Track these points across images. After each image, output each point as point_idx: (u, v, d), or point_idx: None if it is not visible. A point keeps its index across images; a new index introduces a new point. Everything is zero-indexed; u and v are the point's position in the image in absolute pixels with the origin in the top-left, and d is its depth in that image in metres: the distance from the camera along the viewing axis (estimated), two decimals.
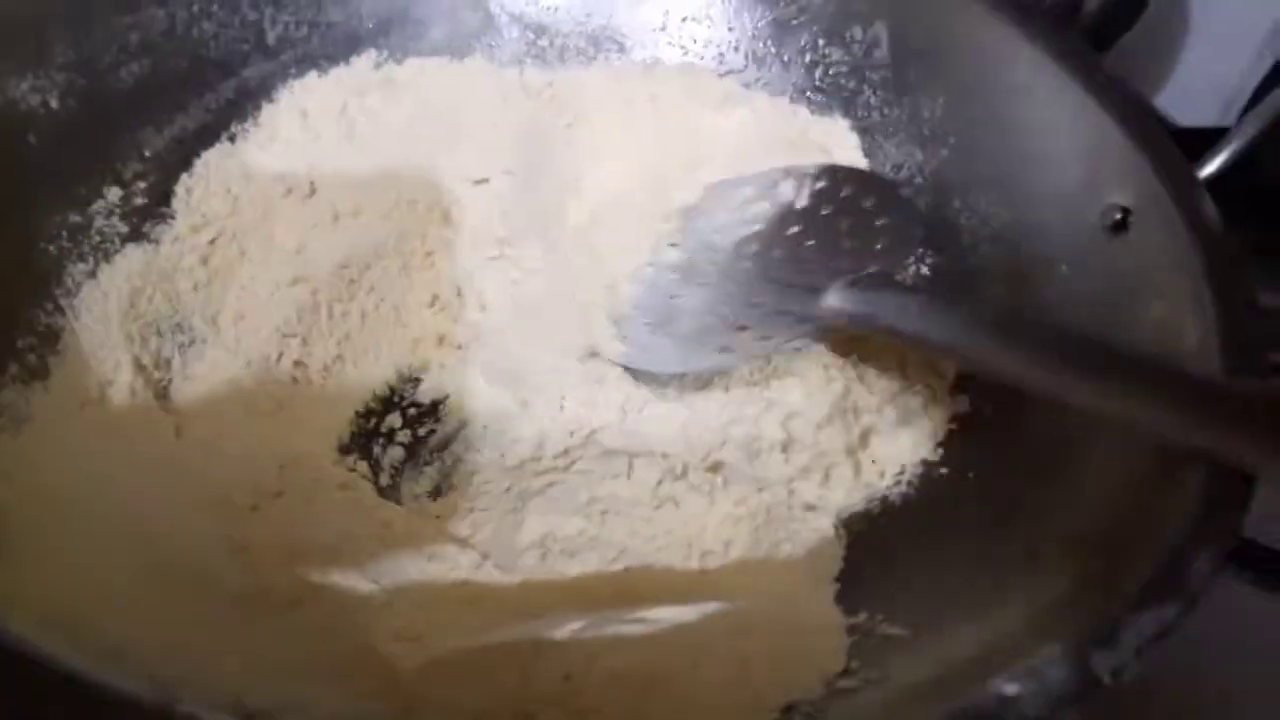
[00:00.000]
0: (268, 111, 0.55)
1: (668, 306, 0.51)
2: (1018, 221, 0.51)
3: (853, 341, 0.49)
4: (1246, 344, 0.38)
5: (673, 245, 0.54)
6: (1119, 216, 0.45)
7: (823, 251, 0.50)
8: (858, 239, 0.49)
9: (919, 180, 0.56)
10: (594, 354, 0.51)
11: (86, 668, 0.24)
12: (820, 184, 0.53)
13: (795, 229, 0.52)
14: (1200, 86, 0.71)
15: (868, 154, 0.58)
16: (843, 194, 0.52)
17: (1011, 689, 0.27)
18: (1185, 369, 0.37)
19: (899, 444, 0.47)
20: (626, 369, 0.50)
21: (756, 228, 0.53)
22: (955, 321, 0.42)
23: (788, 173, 0.54)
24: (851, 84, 0.59)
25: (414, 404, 0.50)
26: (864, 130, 0.58)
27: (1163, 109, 0.71)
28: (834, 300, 0.46)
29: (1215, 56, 0.70)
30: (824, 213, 0.52)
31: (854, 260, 0.48)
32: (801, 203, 0.53)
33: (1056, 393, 0.37)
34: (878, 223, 0.50)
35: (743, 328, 0.48)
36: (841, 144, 0.58)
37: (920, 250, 0.55)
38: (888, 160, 0.57)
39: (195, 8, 0.52)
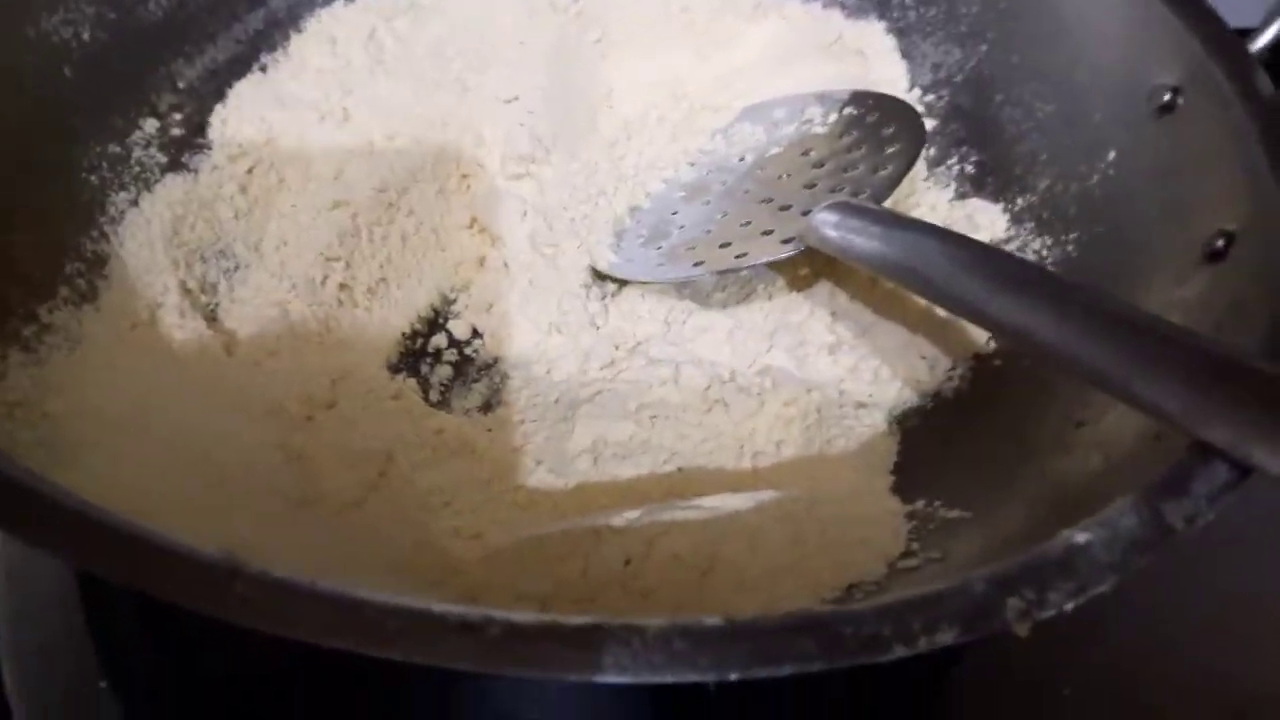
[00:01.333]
0: (296, 41, 0.54)
1: (665, 222, 0.52)
2: (1063, 110, 0.50)
3: None
4: None
5: (691, 164, 0.54)
6: (1168, 97, 0.44)
7: (829, 177, 0.49)
8: (865, 166, 0.49)
9: (959, 79, 0.55)
10: (595, 270, 0.51)
11: (154, 533, 0.24)
12: (848, 110, 0.53)
13: (812, 153, 0.52)
14: None
15: (905, 55, 0.57)
16: (868, 120, 0.51)
17: (1082, 537, 0.26)
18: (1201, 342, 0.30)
19: (951, 339, 0.46)
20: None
21: (775, 151, 0.53)
22: (926, 255, 0.39)
23: (820, 98, 0.54)
24: None
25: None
26: (900, 31, 0.57)
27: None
28: (813, 221, 0.45)
29: None
30: (844, 139, 0.51)
31: (854, 185, 0.47)
32: (823, 129, 0.53)
33: (1036, 351, 0.34)
34: (888, 150, 0.49)
35: (725, 244, 0.48)
36: (878, 47, 0.57)
37: (964, 149, 0.54)
38: (926, 60, 0.56)
39: None
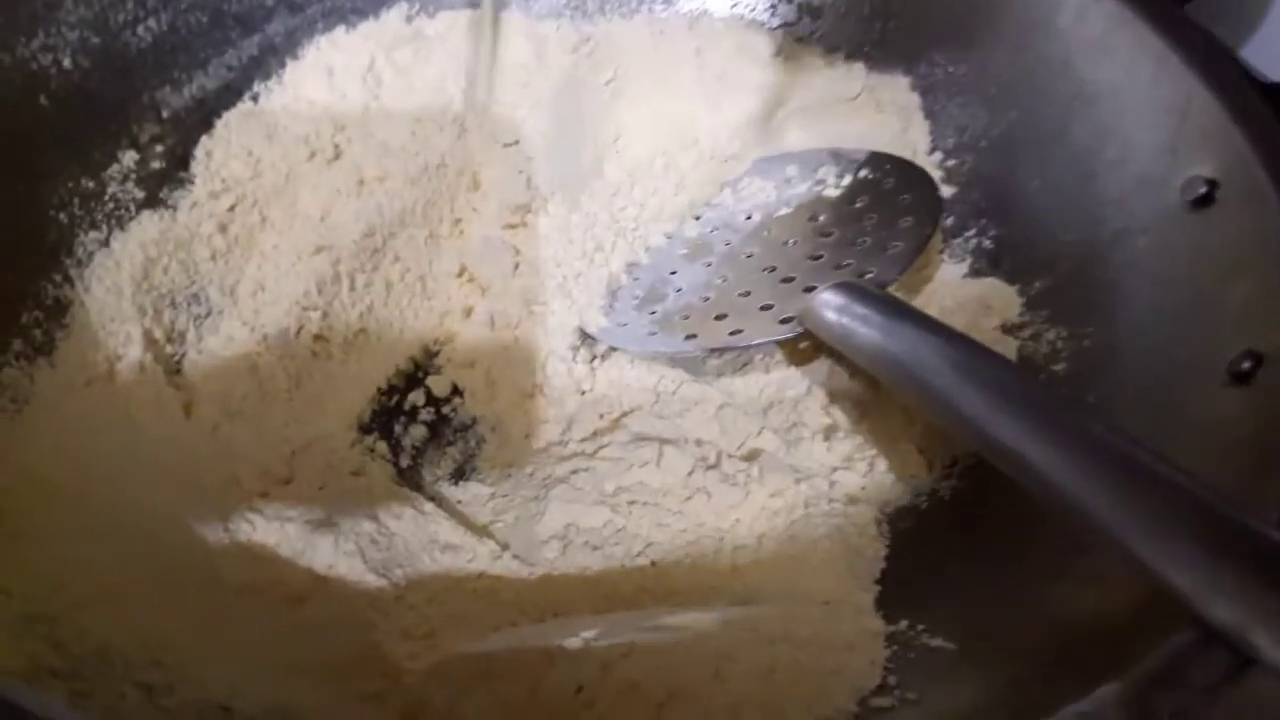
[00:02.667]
0: (292, 69, 0.52)
1: (663, 282, 0.49)
2: (1090, 191, 0.47)
3: None
4: None
5: (696, 218, 0.52)
6: (1204, 190, 0.41)
7: (836, 249, 0.47)
8: (875, 240, 0.46)
9: (984, 144, 0.52)
10: (584, 332, 0.49)
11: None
12: (863, 173, 0.50)
13: (821, 218, 0.49)
14: None
15: (929, 115, 0.54)
16: (884, 186, 0.49)
17: None
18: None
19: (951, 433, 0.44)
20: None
21: (784, 211, 0.50)
22: (927, 356, 0.37)
23: (835, 156, 0.52)
24: (913, 39, 0.54)
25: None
26: (926, 89, 0.54)
27: (1249, 63, 0.66)
28: (814, 301, 0.43)
29: None
30: (856, 205, 0.49)
31: (860, 262, 0.45)
32: (836, 191, 0.50)
33: (1030, 483, 0.32)
34: (901, 224, 0.46)
35: (721, 316, 0.46)
36: (901, 104, 0.54)
37: (983, 221, 0.51)
38: (951, 121, 0.53)
39: None
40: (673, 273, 0.50)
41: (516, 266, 0.50)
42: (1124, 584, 0.32)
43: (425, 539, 0.39)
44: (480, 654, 0.33)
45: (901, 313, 0.40)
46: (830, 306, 0.42)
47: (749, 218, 0.51)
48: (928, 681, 0.34)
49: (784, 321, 0.44)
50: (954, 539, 0.41)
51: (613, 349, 0.48)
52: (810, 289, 0.44)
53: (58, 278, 0.42)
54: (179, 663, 0.30)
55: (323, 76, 0.52)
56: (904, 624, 0.37)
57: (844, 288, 0.42)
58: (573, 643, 0.32)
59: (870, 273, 0.44)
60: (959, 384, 0.36)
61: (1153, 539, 0.28)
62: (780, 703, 0.33)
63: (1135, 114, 0.45)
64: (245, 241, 0.47)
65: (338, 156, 0.50)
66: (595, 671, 0.32)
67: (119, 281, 0.42)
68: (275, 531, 0.36)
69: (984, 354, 0.37)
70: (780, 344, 0.48)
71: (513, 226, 0.51)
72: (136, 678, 0.29)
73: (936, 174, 0.52)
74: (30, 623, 0.29)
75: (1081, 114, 0.48)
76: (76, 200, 0.43)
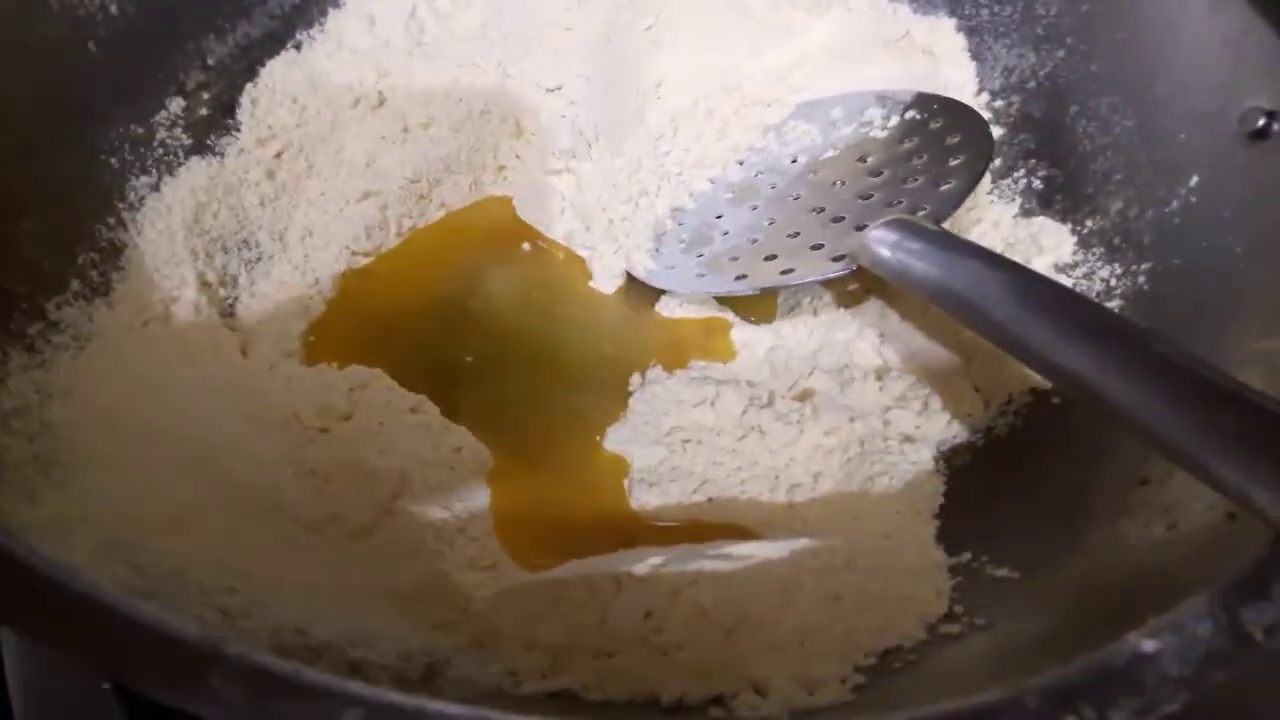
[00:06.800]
0: (334, 17, 0.52)
1: (709, 226, 0.49)
2: (1143, 127, 0.46)
3: None
4: None
5: (740, 163, 0.51)
6: (1262, 121, 0.40)
7: (886, 188, 0.46)
8: (926, 178, 0.46)
9: (1031, 85, 0.51)
10: (631, 275, 0.48)
11: (136, 605, 0.22)
12: (910, 114, 0.50)
13: (870, 159, 0.48)
14: None
15: (975, 56, 0.53)
16: (931, 127, 0.48)
17: (1150, 645, 0.24)
18: None
19: (1007, 371, 0.43)
20: None
21: (830, 154, 0.50)
22: (989, 288, 0.36)
23: (880, 98, 0.51)
24: None
25: None
26: (971, 30, 0.53)
27: None
28: (867, 239, 0.42)
29: None
30: (905, 145, 0.48)
31: (912, 200, 0.44)
32: (884, 133, 0.50)
33: (1103, 410, 0.32)
34: (952, 161, 0.46)
35: (770, 257, 0.46)
36: (947, 46, 0.53)
37: (1032, 162, 0.50)
38: (998, 63, 0.52)
39: None
40: (718, 216, 0.49)
41: (562, 211, 0.50)
42: (1192, 514, 0.32)
43: (484, 474, 0.39)
44: (549, 581, 0.33)
45: (959, 246, 0.40)
46: (885, 243, 0.42)
47: (794, 160, 0.51)
48: (995, 608, 0.34)
49: (836, 259, 0.43)
50: (1013, 474, 0.41)
51: (661, 292, 0.48)
52: (862, 227, 0.43)
53: (111, 221, 0.42)
54: (253, 589, 0.30)
55: (364, 24, 0.52)
56: (967, 556, 0.37)
57: (898, 224, 0.42)
58: (640, 569, 0.33)
59: (924, 209, 0.43)
60: (1023, 313, 0.35)
61: (1232, 456, 0.28)
62: (848, 630, 0.33)
63: (1190, 48, 0.44)
64: (293, 188, 0.47)
65: (382, 103, 0.50)
66: (664, 597, 0.32)
67: (171, 226, 0.43)
68: (338, 467, 0.36)
69: (1045, 282, 0.37)
70: (828, 287, 0.47)
71: (557, 172, 0.50)
72: (213, 602, 0.29)
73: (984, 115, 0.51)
74: (109, 547, 0.29)
75: (1134, 50, 0.47)
76: (127, 146, 0.44)
